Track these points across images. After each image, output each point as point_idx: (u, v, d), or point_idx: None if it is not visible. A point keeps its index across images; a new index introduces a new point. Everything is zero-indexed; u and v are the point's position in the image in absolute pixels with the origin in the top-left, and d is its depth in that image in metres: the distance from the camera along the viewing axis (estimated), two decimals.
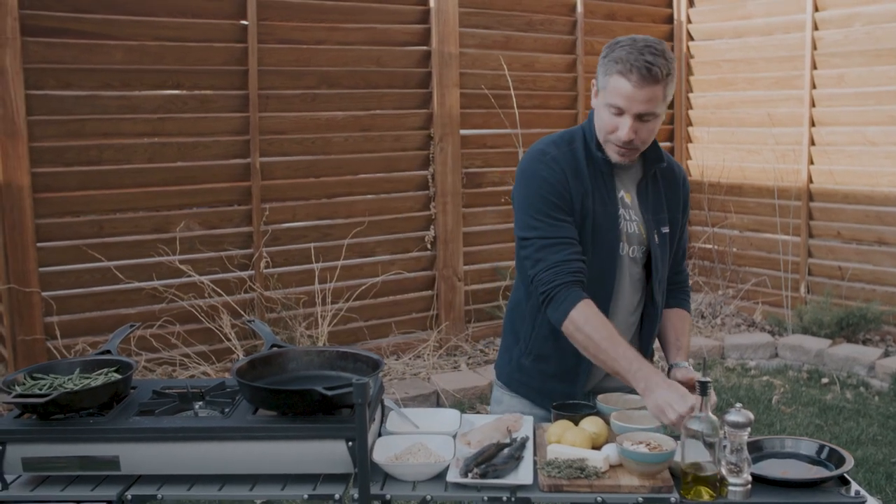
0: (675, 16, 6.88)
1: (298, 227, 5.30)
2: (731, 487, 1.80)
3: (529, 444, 1.99)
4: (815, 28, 6.09)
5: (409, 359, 5.44)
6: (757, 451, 1.99)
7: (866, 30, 5.82)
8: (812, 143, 6.20)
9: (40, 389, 1.98)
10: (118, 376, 2.06)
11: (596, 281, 2.21)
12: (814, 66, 6.13)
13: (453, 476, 1.84)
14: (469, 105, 5.78)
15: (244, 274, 5.07)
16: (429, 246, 5.73)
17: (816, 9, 6.08)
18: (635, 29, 6.47)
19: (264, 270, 5.10)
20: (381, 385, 2.11)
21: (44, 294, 4.51)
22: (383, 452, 1.94)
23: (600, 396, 2.19)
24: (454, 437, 2.03)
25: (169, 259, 4.78)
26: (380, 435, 2.07)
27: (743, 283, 6.56)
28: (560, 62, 6.24)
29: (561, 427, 2.01)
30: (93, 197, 4.66)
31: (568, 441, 1.95)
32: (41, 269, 4.50)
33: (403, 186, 5.66)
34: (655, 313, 2.33)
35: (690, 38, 6.94)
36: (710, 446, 1.78)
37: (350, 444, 1.82)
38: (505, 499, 1.81)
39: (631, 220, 2.25)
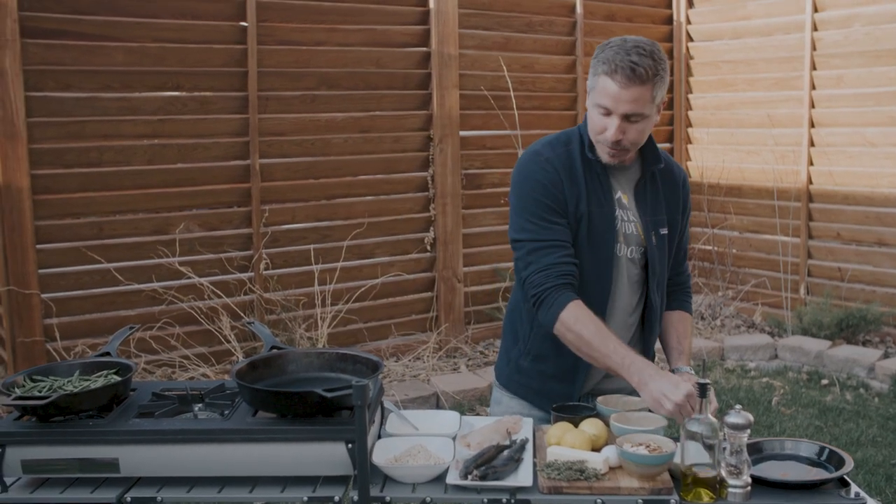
0: (675, 17, 6.89)
1: (298, 229, 5.30)
2: (730, 489, 1.80)
3: (529, 446, 1.99)
4: (815, 29, 6.10)
5: (409, 360, 5.44)
6: (757, 452, 1.99)
7: (866, 30, 5.82)
8: (812, 144, 6.21)
9: (40, 391, 1.98)
10: (118, 378, 2.06)
11: (593, 282, 2.21)
12: (813, 67, 6.13)
13: (453, 478, 1.84)
14: (469, 106, 5.79)
15: (244, 275, 5.07)
16: (428, 247, 5.73)
17: (816, 9, 6.08)
18: (635, 30, 6.48)
19: (264, 272, 5.10)
20: (380, 387, 2.10)
21: (43, 296, 4.51)
22: (383, 454, 1.94)
23: (600, 398, 2.19)
24: (454, 438, 2.03)
25: (168, 261, 4.78)
26: (379, 437, 2.06)
27: (742, 284, 6.56)
28: (560, 63, 6.24)
29: (561, 429, 2.01)
30: (92, 199, 4.66)
31: (568, 443, 1.95)
32: (41, 270, 4.50)
33: (403, 188, 5.66)
34: (655, 314, 2.33)
35: (690, 38, 6.94)
36: (709, 448, 1.78)
37: (350, 446, 1.82)
38: (505, 501, 1.81)
39: (628, 220, 2.26)
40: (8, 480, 1.90)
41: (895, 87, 5.70)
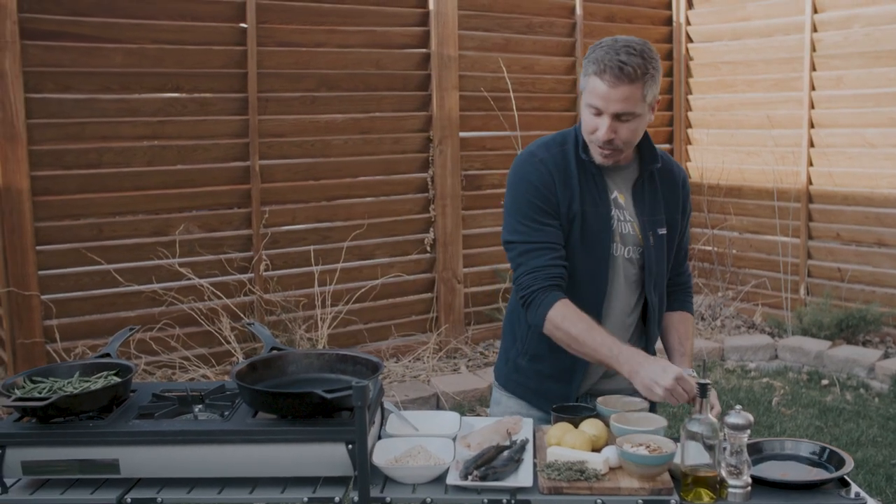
0: (674, 18, 6.89)
1: (298, 230, 5.30)
2: (730, 489, 1.80)
3: (529, 447, 1.99)
4: (815, 30, 6.10)
5: (409, 361, 5.44)
6: (757, 453, 1.99)
7: (865, 31, 5.82)
8: (811, 144, 6.21)
9: (40, 393, 1.98)
10: (118, 379, 2.06)
11: (588, 282, 2.22)
12: (813, 68, 6.13)
13: (453, 479, 1.84)
14: (468, 107, 5.79)
15: (244, 277, 5.07)
16: (428, 248, 5.73)
17: (816, 10, 6.08)
18: (634, 31, 6.48)
19: (264, 273, 5.10)
20: (380, 388, 2.11)
21: (43, 297, 4.50)
22: (383, 455, 1.94)
23: (600, 399, 2.19)
24: (454, 439, 2.03)
25: (168, 262, 4.78)
26: (379, 437, 2.07)
27: (742, 284, 6.56)
28: (559, 64, 6.24)
29: (561, 429, 2.01)
30: (92, 200, 4.66)
31: (568, 443, 1.95)
32: (40, 272, 4.50)
33: (403, 189, 5.66)
34: (653, 314, 2.33)
35: (689, 39, 6.94)
36: (709, 448, 1.78)
37: (350, 446, 1.82)
38: (505, 501, 1.81)
39: (625, 220, 2.26)
40: (8, 482, 1.90)
41: (895, 88, 5.70)
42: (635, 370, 2.03)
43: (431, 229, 5.72)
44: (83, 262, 4.62)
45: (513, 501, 1.82)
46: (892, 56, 5.69)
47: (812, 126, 6.19)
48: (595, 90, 2.11)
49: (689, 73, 6.98)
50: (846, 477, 1.88)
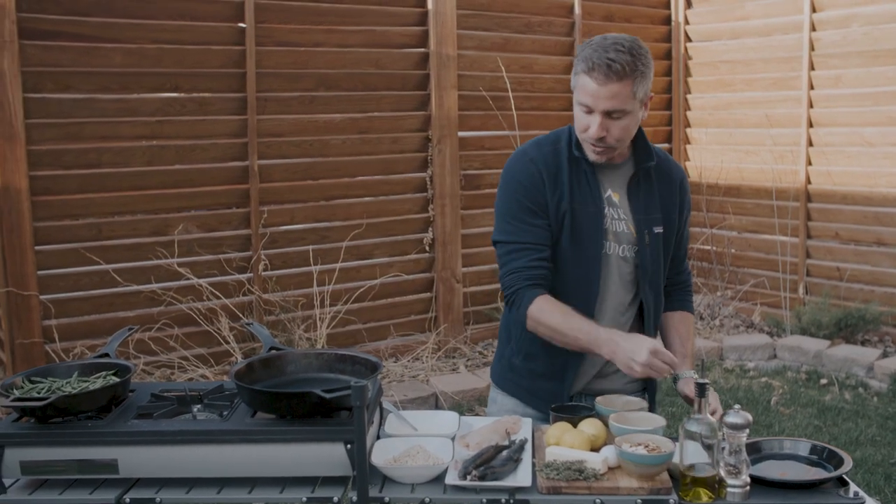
0: (673, 17, 6.89)
1: (297, 230, 5.30)
2: (729, 489, 1.80)
3: (528, 446, 1.99)
4: (813, 29, 6.10)
5: (408, 361, 5.44)
6: (755, 452, 1.99)
7: (864, 30, 5.82)
8: (810, 143, 6.21)
9: (38, 393, 1.98)
10: (116, 379, 2.06)
11: (580, 280, 2.22)
12: (811, 67, 6.13)
13: (452, 478, 1.84)
14: (467, 107, 5.79)
15: (242, 276, 5.07)
16: (427, 248, 5.73)
17: (814, 10, 6.09)
18: (633, 30, 6.48)
19: (263, 273, 5.10)
20: (379, 387, 2.11)
21: (42, 297, 4.50)
22: (382, 455, 1.94)
23: (599, 398, 2.19)
24: (453, 439, 2.03)
25: (167, 262, 4.77)
26: (378, 437, 2.07)
27: (741, 284, 6.56)
28: (558, 64, 6.24)
29: (559, 429, 2.01)
30: (91, 200, 4.65)
31: (566, 443, 1.95)
32: (39, 272, 4.50)
33: (402, 188, 5.66)
34: (649, 313, 2.32)
35: (688, 39, 6.95)
36: (708, 448, 1.78)
37: (349, 446, 1.82)
38: (504, 501, 1.81)
39: (619, 219, 2.26)
40: (7, 482, 1.90)
41: (893, 86, 5.71)
42: (614, 351, 2.06)
43: (430, 229, 5.72)
44: (82, 262, 4.61)
45: (511, 501, 1.82)
46: (891, 55, 5.69)
47: (811, 125, 6.20)
48: (585, 88, 2.11)
49: (687, 73, 6.99)
50: (845, 476, 1.88)
